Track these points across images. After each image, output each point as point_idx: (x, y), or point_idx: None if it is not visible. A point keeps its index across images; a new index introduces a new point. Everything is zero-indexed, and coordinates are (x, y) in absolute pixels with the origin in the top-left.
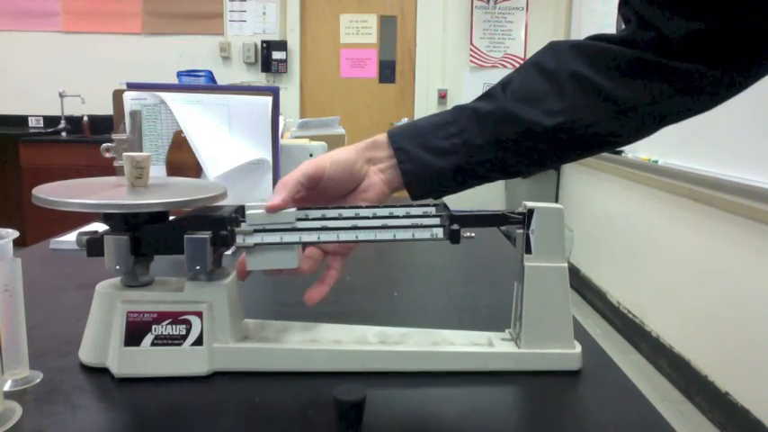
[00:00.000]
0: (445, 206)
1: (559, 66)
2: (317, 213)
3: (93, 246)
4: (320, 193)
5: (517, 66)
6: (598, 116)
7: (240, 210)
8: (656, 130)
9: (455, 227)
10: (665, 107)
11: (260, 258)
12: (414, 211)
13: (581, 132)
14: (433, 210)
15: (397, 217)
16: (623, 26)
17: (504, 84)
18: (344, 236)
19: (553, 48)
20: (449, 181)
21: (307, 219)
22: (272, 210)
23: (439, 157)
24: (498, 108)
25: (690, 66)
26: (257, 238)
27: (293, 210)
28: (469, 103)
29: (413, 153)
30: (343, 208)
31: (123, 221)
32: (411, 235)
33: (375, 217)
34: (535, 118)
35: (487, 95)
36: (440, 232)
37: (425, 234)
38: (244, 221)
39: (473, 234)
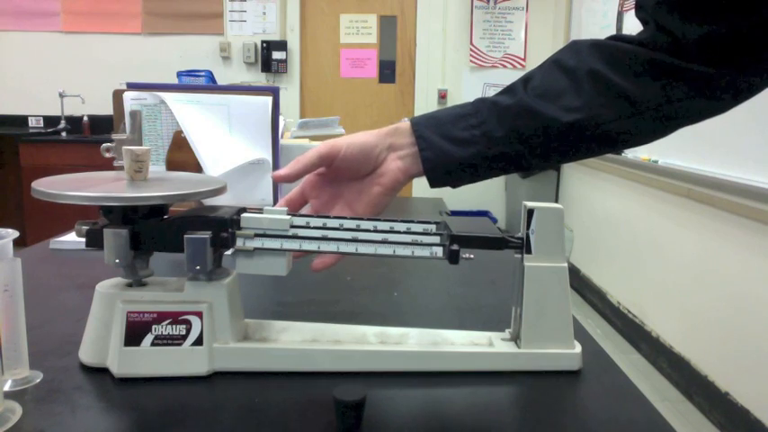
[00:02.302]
0: (446, 225)
1: (579, 63)
2: (319, 222)
3: (92, 236)
4: (336, 173)
5: (517, 66)
6: (615, 114)
7: (241, 212)
8: (671, 132)
9: (455, 247)
10: (681, 109)
11: (250, 263)
12: (415, 227)
13: (597, 130)
14: (433, 227)
15: (398, 232)
16: (624, 24)
17: (526, 79)
18: (344, 247)
19: (574, 46)
20: (466, 171)
21: (308, 227)
22: (277, 178)
23: (458, 147)
24: (518, 102)
25: (705, 68)
26: (257, 243)
27: (289, 217)
28: (491, 97)
29: (433, 141)
30: (345, 218)
31: (123, 215)
32: (411, 252)
33: (376, 230)
34: (553, 113)
35: (509, 90)
36: (439, 251)
37: (425, 252)
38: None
39: (472, 255)
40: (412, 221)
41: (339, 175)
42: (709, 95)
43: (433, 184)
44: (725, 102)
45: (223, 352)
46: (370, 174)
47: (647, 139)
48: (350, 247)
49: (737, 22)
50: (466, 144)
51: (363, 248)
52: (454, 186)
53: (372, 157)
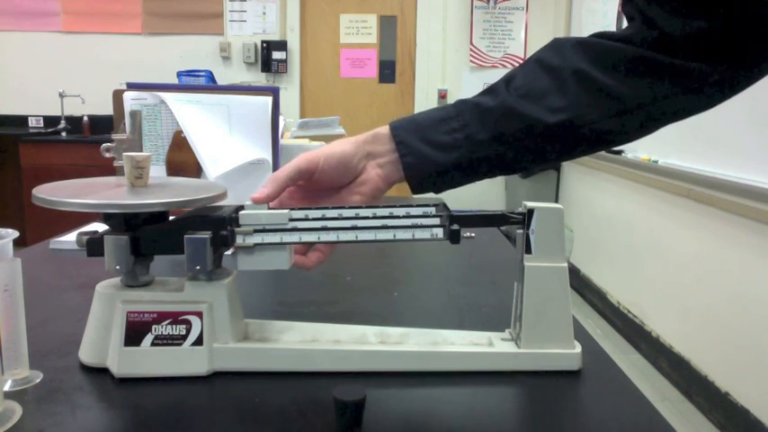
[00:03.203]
0: (445, 206)
1: (563, 63)
2: (317, 213)
3: (93, 246)
4: (315, 185)
5: (516, 66)
6: (601, 114)
7: (240, 210)
8: (657, 129)
9: (455, 227)
10: (668, 105)
11: (251, 259)
12: (414, 211)
13: (583, 130)
14: (433, 210)
15: (398, 217)
16: (624, 24)
17: (508, 80)
18: (344, 236)
19: (557, 45)
20: (449, 176)
21: (307, 219)
22: (256, 202)
23: (441, 152)
24: (501, 104)
25: (693, 64)
26: (257, 239)
27: (286, 210)
28: (472, 98)
29: (415, 147)
30: (344, 208)
31: (123, 221)
32: (411, 235)
33: (375, 217)
34: (537, 115)
35: (490, 91)
36: (440, 232)
37: (425, 234)
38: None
39: (473, 234)
40: (411, 206)
41: (318, 186)
42: (697, 92)
43: (416, 190)
44: (712, 98)
45: (223, 352)
46: (350, 183)
47: (634, 136)
48: (349, 235)
49: (727, 16)
50: (448, 148)
51: (363, 235)
52: (437, 192)
53: (351, 167)
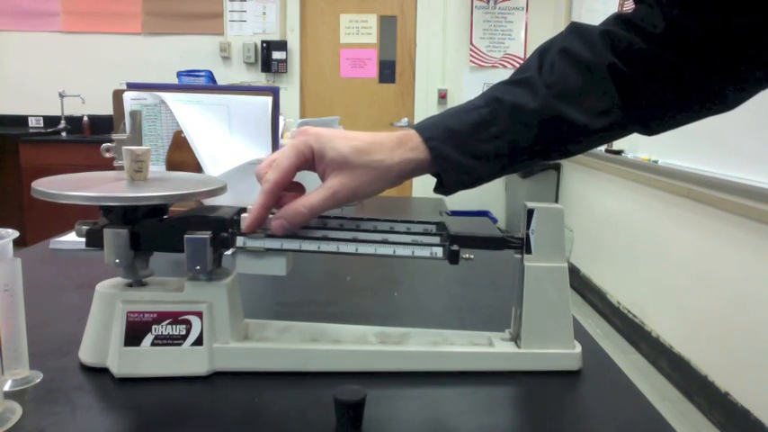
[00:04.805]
0: (444, 225)
1: (595, 57)
2: (319, 222)
3: (93, 236)
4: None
5: (517, 66)
6: (633, 119)
7: (242, 212)
8: (674, 128)
9: (455, 248)
10: (687, 113)
11: (250, 263)
12: (415, 227)
13: (619, 132)
14: (433, 228)
15: (398, 233)
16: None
17: (539, 66)
18: (345, 247)
19: (581, 33)
20: (484, 181)
21: (308, 227)
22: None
23: (483, 162)
24: (542, 106)
25: (715, 78)
26: (257, 243)
27: None
28: (506, 95)
29: (455, 160)
30: (345, 218)
31: (123, 215)
32: (410, 252)
33: (376, 231)
34: (583, 120)
35: (526, 83)
36: (439, 251)
37: (425, 252)
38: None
39: (471, 256)
40: (412, 222)
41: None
42: (714, 101)
43: (441, 192)
44: (727, 104)
45: (223, 352)
46: None
47: (654, 134)
48: (350, 248)
49: (743, 19)
50: (491, 158)
51: (363, 248)
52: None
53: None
